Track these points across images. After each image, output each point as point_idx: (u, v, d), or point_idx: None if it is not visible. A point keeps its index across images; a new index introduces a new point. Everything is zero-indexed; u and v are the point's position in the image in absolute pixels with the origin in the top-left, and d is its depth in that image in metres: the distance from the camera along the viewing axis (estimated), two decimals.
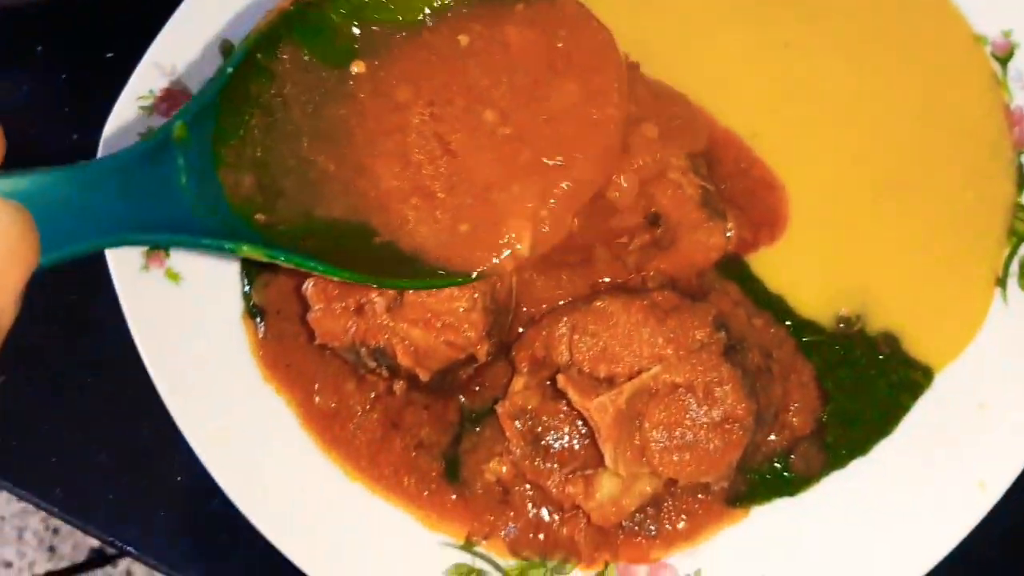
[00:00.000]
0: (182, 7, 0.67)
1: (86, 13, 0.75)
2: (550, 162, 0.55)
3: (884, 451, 0.60)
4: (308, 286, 0.58)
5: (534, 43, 0.57)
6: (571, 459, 0.57)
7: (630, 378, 0.55)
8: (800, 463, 0.60)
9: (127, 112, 0.66)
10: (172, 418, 0.60)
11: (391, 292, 0.56)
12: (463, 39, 0.57)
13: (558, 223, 0.54)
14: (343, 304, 0.56)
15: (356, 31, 0.58)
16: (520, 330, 0.60)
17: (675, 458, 0.54)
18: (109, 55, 0.76)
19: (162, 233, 0.48)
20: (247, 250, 0.50)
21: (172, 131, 0.50)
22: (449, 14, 0.58)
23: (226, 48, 0.68)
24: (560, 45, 0.57)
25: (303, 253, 0.51)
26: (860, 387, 0.61)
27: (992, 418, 0.60)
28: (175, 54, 0.67)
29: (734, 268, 0.62)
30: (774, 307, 0.62)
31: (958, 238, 0.63)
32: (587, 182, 0.55)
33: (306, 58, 0.56)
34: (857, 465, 0.60)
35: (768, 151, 0.64)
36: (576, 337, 0.56)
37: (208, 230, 0.49)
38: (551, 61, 0.57)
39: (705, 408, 0.55)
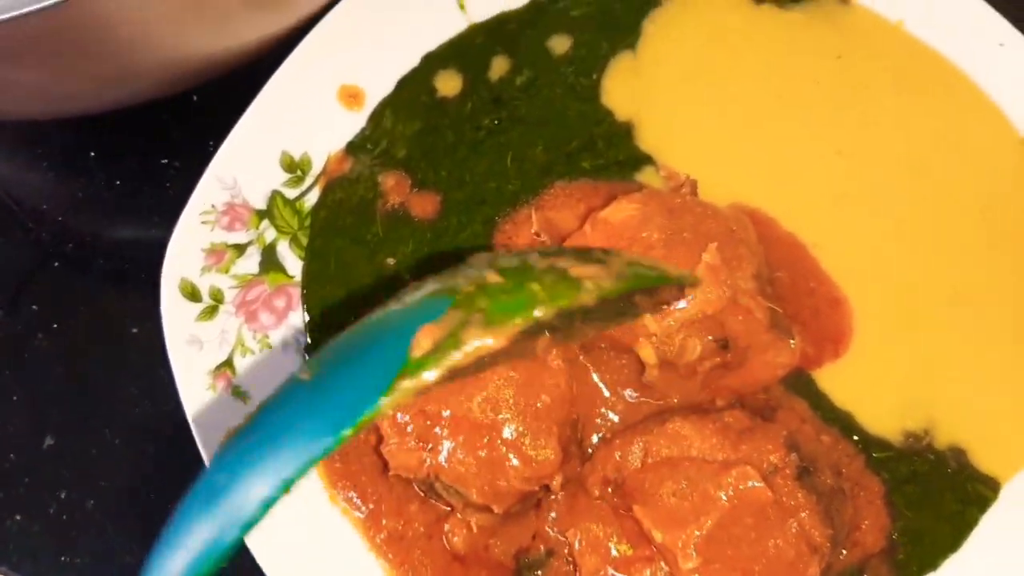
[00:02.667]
0: (242, 121, 0.68)
1: (138, 123, 0.76)
2: None
3: (953, 566, 0.60)
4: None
5: None
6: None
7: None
8: None
9: (191, 225, 0.66)
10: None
11: (464, 434, 0.55)
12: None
13: None
14: (418, 440, 0.56)
15: None
16: (590, 450, 0.60)
17: None
18: (163, 161, 0.77)
19: None
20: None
21: None
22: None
23: (285, 161, 0.69)
24: None
25: None
26: (928, 503, 0.61)
27: None
28: (235, 167, 0.68)
29: (800, 385, 0.62)
30: (841, 423, 0.62)
31: (1022, 348, 0.63)
32: None
33: None
34: None
35: (829, 262, 0.64)
36: (649, 461, 0.57)
37: None
38: None
39: None
